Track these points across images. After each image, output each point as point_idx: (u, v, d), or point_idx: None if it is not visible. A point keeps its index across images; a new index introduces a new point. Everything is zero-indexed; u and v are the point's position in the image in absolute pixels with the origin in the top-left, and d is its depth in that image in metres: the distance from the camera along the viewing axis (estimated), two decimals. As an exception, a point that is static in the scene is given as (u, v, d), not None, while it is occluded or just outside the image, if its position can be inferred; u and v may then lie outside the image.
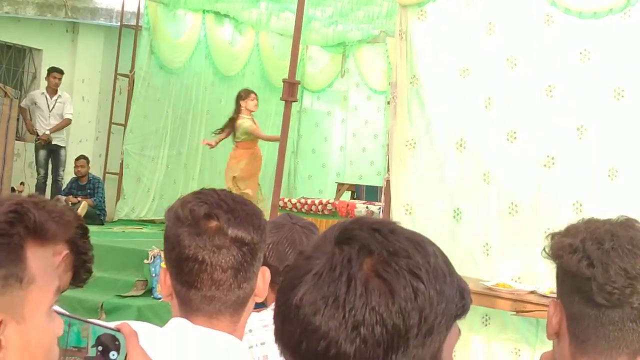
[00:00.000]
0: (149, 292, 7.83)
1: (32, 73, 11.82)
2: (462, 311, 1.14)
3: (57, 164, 11.14)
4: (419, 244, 1.13)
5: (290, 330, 1.09)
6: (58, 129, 11.02)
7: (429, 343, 1.09)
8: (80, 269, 2.50)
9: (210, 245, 1.67)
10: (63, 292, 2.49)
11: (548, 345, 1.74)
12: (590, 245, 1.55)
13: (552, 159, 5.53)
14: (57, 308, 1.40)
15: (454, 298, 1.12)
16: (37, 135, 10.93)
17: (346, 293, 1.06)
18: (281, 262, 2.54)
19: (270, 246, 2.55)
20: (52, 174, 11.17)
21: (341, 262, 1.08)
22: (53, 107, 10.97)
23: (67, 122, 11.12)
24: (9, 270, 1.09)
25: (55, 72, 10.98)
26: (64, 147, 11.19)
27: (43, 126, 10.95)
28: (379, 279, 1.07)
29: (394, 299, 1.06)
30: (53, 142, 10.98)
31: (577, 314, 1.58)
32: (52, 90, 10.99)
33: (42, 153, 11.00)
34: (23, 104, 10.97)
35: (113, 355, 1.35)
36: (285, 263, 2.53)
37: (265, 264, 2.52)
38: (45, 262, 1.15)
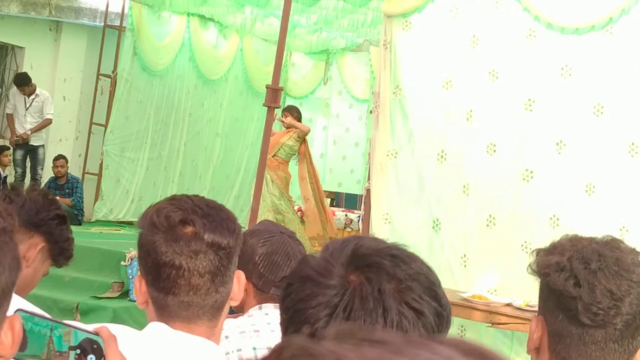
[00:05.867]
0: (125, 294, 7.79)
1: (14, 71, 11.74)
2: None
3: (35, 163, 11.08)
4: (428, 265, 1.16)
5: None
6: (39, 129, 10.96)
7: None
8: (59, 256, 2.49)
9: (187, 250, 1.67)
10: (44, 275, 2.50)
11: (522, 358, 1.76)
12: (578, 264, 1.56)
13: (531, 172, 5.57)
14: (39, 311, 1.41)
15: None
16: (16, 135, 10.87)
17: (384, 325, 1.07)
18: (273, 273, 2.53)
19: (263, 256, 2.54)
20: (30, 172, 11.11)
21: (372, 293, 1.08)
22: (30, 105, 10.92)
23: (47, 122, 11.07)
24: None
25: (22, 87, 10.78)
26: (42, 145, 11.13)
27: (20, 124, 10.89)
28: (410, 308, 1.09)
29: (425, 325, 1.09)
30: (30, 142, 10.93)
31: (560, 331, 1.59)
32: (29, 92, 10.93)
33: (19, 152, 10.95)
34: (10, 110, 10.94)
35: (91, 358, 1.36)
36: (280, 274, 2.53)
37: (256, 273, 2.52)
38: None
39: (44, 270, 2.48)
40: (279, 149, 9.67)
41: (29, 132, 10.83)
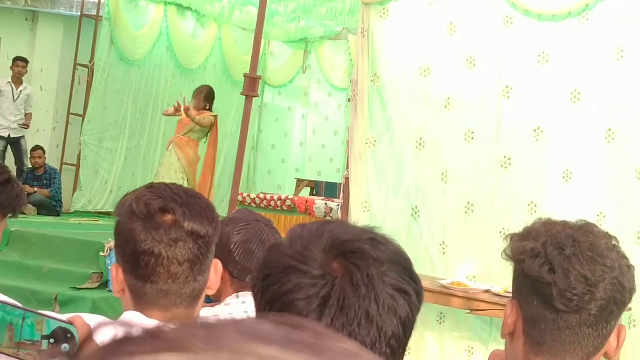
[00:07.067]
0: (104, 284, 7.77)
1: (-10, 61, 11.67)
2: None
3: (21, 155, 11.09)
4: (400, 245, 1.17)
5: None
6: (29, 120, 11.09)
7: None
8: (14, 213, 2.47)
9: (167, 239, 1.67)
10: (4, 229, 2.47)
11: (501, 344, 1.76)
12: (552, 250, 1.55)
13: (509, 159, 5.59)
14: (11, 301, 1.40)
15: None
16: (22, 123, 10.95)
17: (377, 310, 1.08)
18: (249, 261, 2.53)
19: (238, 244, 2.55)
20: (16, 164, 11.08)
21: (362, 279, 1.09)
22: (18, 97, 10.97)
23: (31, 116, 11.15)
24: None
25: (19, 61, 10.94)
26: (23, 136, 11.15)
27: (3, 116, 10.86)
28: (396, 289, 1.10)
29: (411, 305, 1.11)
30: (13, 135, 10.93)
31: (534, 316, 1.59)
32: (18, 80, 10.99)
33: (1, 144, 10.94)
34: None
35: (65, 348, 1.35)
36: (255, 261, 2.53)
37: (232, 261, 2.52)
38: None
39: (3, 227, 2.46)
40: (190, 129, 9.57)
41: (29, 123, 11.01)
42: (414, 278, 1.14)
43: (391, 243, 1.15)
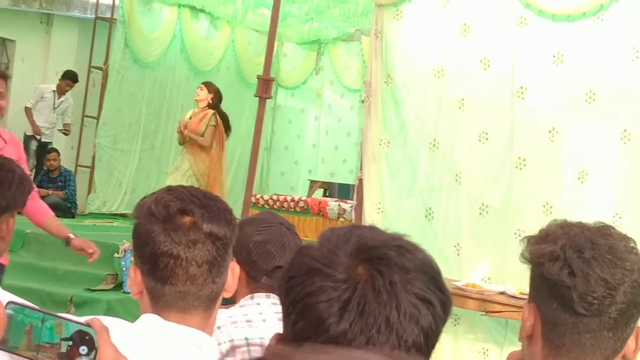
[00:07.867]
0: (119, 286, 7.79)
1: (5, 64, 11.70)
2: None
3: (43, 159, 11.22)
4: (429, 254, 1.17)
5: None
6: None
7: None
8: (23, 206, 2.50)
9: (186, 240, 1.68)
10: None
11: (516, 346, 1.75)
12: (572, 253, 1.54)
13: (523, 160, 5.57)
14: (29, 304, 1.40)
15: None
16: (62, 128, 11.25)
17: (398, 317, 1.08)
18: (266, 262, 2.54)
19: (257, 244, 2.55)
20: (35, 167, 11.20)
21: (384, 285, 1.09)
22: (58, 106, 11.23)
23: (69, 126, 11.45)
24: None
25: (68, 80, 11.19)
26: (51, 142, 11.42)
27: (41, 120, 11.08)
28: (419, 298, 1.10)
29: (434, 315, 1.11)
30: (43, 140, 11.16)
31: (553, 319, 1.57)
32: (61, 91, 11.28)
33: (35, 144, 11.11)
34: (30, 103, 11.11)
35: (83, 350, 1.36)
36: (272, 263, 2.53)
37: (249, 261, 2.53)
38: None
39: (13, 225, 2.48)
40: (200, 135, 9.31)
41: (69, 130, 11.38)
42: (440, 288, 1.13)
43: (420, 252, 1.14)
